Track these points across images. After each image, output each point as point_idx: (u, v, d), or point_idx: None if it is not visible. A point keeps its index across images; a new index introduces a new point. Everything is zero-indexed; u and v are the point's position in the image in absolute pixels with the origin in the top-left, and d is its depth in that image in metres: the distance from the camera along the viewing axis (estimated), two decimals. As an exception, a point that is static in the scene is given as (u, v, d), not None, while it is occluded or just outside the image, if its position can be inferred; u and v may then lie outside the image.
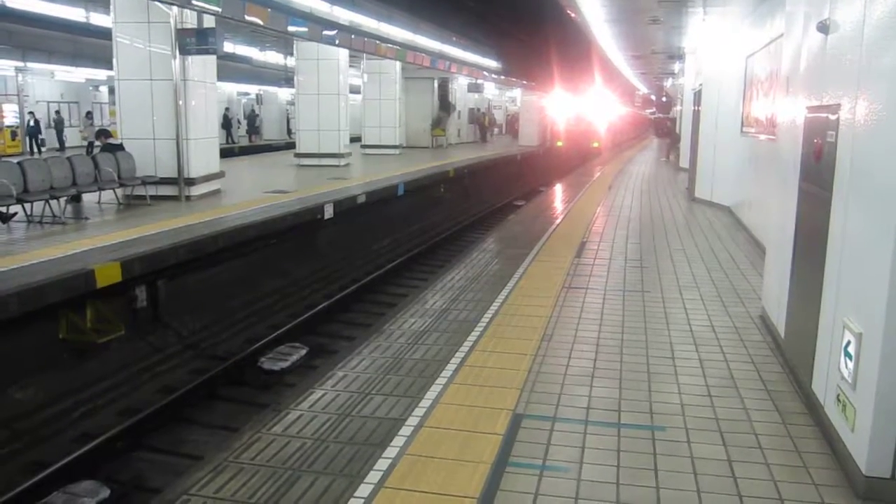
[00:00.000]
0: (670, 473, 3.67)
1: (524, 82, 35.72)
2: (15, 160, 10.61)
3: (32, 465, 6.00)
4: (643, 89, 49.15)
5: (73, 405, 7.04)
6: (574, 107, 37.06)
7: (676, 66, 25.47)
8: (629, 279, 8.02)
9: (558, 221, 12.22)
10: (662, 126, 47.20)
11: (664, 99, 48.39)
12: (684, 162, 20.23)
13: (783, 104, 6.28)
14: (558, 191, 17.99)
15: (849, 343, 3.67)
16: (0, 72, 26.37)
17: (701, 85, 15.74)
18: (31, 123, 27.33)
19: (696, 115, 15.98)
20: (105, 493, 5.63)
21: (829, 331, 4.08)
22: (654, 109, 62.36)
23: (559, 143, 34.80)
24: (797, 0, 5.68)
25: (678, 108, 28.75)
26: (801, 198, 5.07)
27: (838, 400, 3.82)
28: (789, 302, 5.31)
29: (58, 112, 29.66)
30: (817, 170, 4.60)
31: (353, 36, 17.28)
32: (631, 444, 3.99)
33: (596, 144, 35.75)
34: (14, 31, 20.48)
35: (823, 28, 4.56)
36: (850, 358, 3.64)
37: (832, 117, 4.27)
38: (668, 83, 37.85)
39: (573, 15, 13.36)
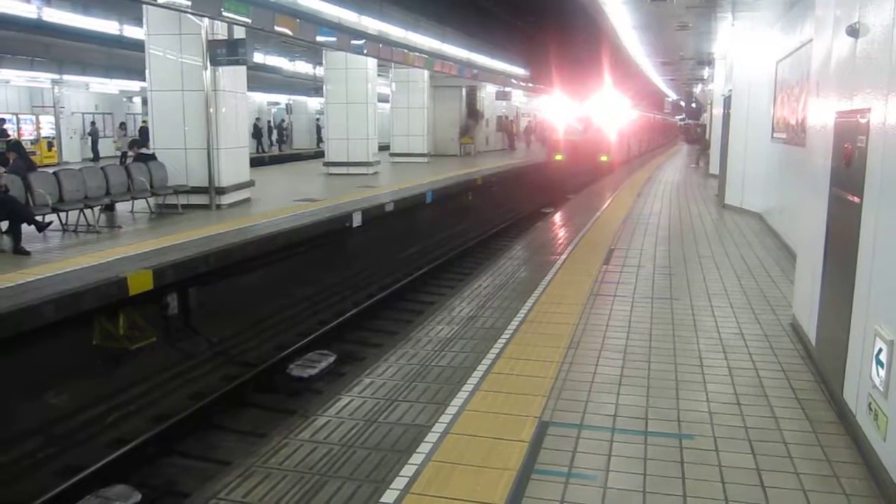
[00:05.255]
0: (698, 482, 3.64)
1: (550, 90, 35.17)
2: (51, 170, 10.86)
3: (66, 469, 6.11)
4: (672, 95, 48.77)
5: (107, 411, 7.16)
6: (585, 110, 28.13)
7: (706, 72, 25.27)
8: (657, 286, 7.97)
9: (586, 228, 12.16)
10: (692, 132, 46.77)
11: (693, 105, 47.90)
12: (714, 168, 20.04)
13: (813, 109, 6.21)
14: (586, 198, 17.92)
15: (880, 351, 3.61)
16: (37, 84, 26.94)
17: (730, 90, 15.59)
18: None
19: (726, 121, 15.83)
20: (136, 497, 5.71)
21: (860, 338, 4.03)
22: (683, 115, 61.95)
23: (558, 157, 26.92)
24: (827, 4, 5.62)
25: (710, 112, 28.38)
26: (832, 203, 5.01)
27: (870, 408, 3.76)
28: (820, 309, 5.24)
29: (93, 123, 30.21)
30: (848, 175, 4.55)
31: (381, 45, 17.42)
32: (658, 453, 3.96)
33: (604, 158, 26.96)
34: (50, 44, 20.90)
35: (853, 32, 4.51)
36: (882, 366, 3.58)
37: (862, 121, 4.21)
38: (697, 89, 37.56)
39: None
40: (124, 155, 23.81)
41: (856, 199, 4.24)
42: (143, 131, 26.86)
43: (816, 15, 6.17)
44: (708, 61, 21.04)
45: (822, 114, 5.58)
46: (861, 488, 3.59)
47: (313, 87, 34.03)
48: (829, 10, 5.46)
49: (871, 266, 3.92)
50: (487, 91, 33.84)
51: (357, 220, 12.45)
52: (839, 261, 4.68)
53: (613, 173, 25.09)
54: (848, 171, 4.54)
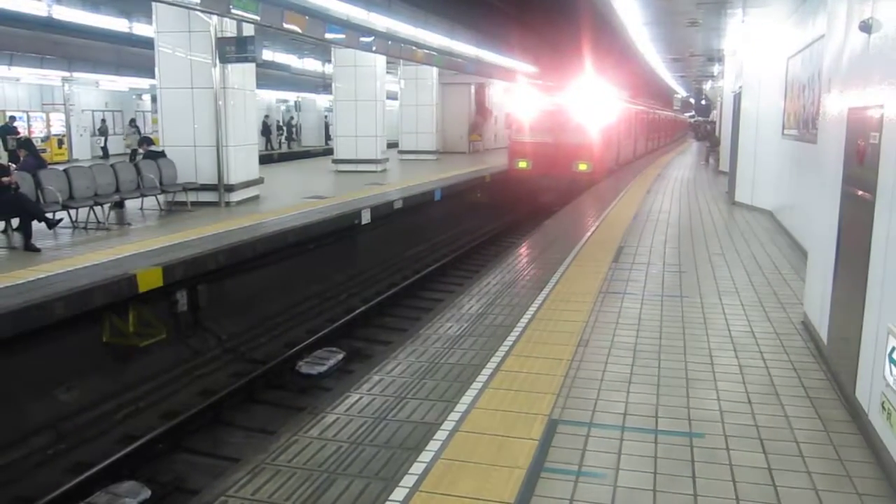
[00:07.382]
0: (708, 481, 3.62)
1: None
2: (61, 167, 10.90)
3: (77, 466, 6.13)
4: (682, 92, 48.57)
5: (116, 407, 7.18)
6: (562, 103, 21.04)
7: (716, 69, 25.17)
8: (667, 284, 7.93)
9: (596, 226, 12.12)
10: (702, 129, 46.56)
11: (703, 102, 47.69)
12: (724, 165, 19.94)
13: (825, 105, 6.17)
14: (595, 194, 17.85)
15: (893, 349, 3.58)
16: (47, 82, 27.05)
17: (741, 87, 15.52)
18: None
19: (736, 118, 15.75)
20: (146, 493, 5.72)
21: (873, 337, 3.99)
22: (693, 112, 61.77)
23: (522, 165, 20.41)
24: (839, -1, 5.58)
25: (720, 109, 28.18)
26: (844, 201, 4.97)
27: (883, 407, 3.73)
28: (832, 307, 5.20)
29: (103, 120, 30.31)
30: (860, 172, 4.51)
31: (389, 42, 17.39)
32: (668, 451, 3.94)
33: (584, 167, 19.82)
34: (60, 42, 20.99)
35: (866, 27, 4.47)
36: (895, 364, 3.55)
37: (875, 118, 4.18)
38: (707, 86, 37.42)
39: None
40: (134, 152, 23.94)
41: (868, 197, 4.21)
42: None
43: (829, 10, 6.13)
44: (718, 58, 20.94)
45: (834, 110, 5.54)
46: (874, 488, 3.56)
47: (322, 84, 34.05)
48: (842, 5, 5.41)
49: (884, 264, 3.89)
50: (496, 88, 33.76)
51: (366, 218, 12.44)
52: (851, 258, 4.64)
53: (598, 186, 19.34)
54: (860, 168, 4.51)
